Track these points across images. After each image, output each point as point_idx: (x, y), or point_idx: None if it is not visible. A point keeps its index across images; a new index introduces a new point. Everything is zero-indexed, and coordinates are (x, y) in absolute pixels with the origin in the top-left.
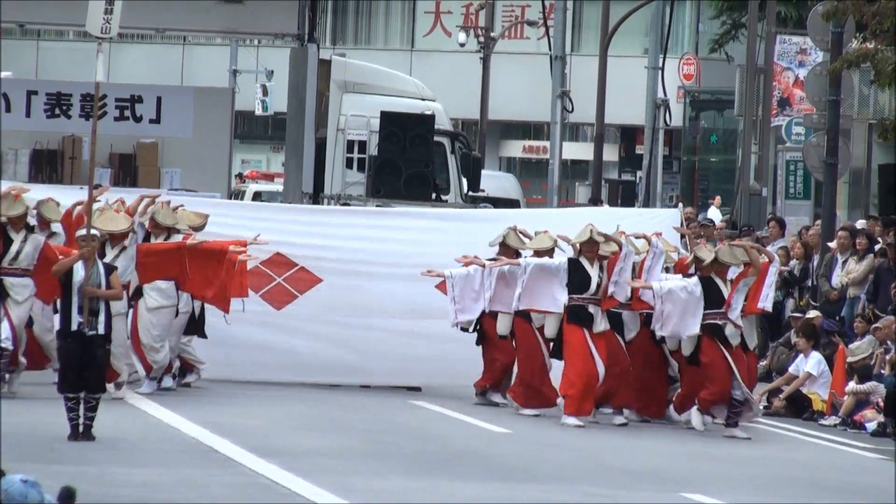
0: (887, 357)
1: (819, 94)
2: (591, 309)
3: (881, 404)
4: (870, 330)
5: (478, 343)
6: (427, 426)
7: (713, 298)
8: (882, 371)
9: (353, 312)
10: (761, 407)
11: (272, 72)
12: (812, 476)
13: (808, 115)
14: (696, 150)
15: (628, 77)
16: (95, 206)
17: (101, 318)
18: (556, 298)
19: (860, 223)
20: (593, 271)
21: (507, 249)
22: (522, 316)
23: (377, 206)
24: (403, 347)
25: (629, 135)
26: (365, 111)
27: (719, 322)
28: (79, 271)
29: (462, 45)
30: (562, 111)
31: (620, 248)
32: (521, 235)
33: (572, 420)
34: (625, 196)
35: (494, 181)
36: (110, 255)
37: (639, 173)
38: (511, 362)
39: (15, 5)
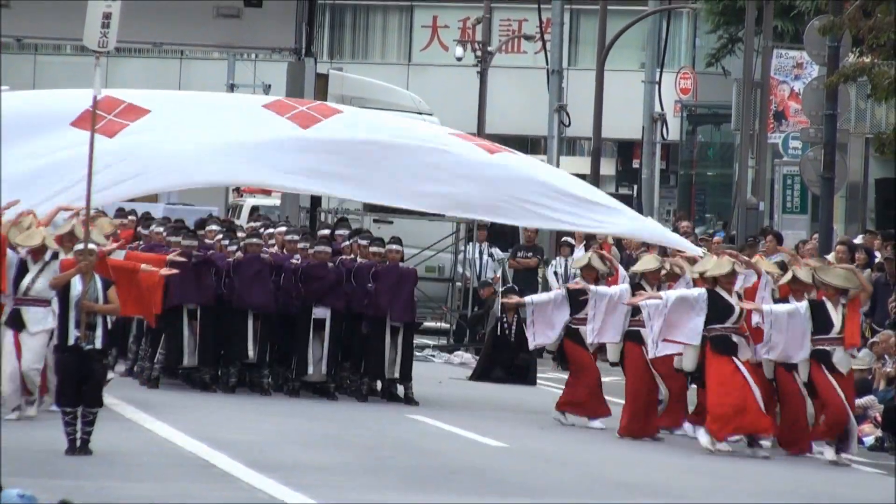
0: (885, 371)
1: (816, 108)
2: (735, 338)
3: (879, 419)
4: (867, 344)
5: (559, 365)
6: (424, 441)
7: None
8: (879, 386)
9: None
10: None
11: (269, 86)
12: (809, 491)
13: (805, 130)
14: (692, 165)
15: (625, 91)
16: (5, 218)
17: (98, 332)
18: (695, 330)
19: (858, 238)
20: (733, 300)
21: (591, 272)
22: (633, 339)
23: (374, 220)
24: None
25: (626, 149)
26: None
27: (827, 348)
28: (76, 285)
29: (459, 59)
30: (559, 125)
31: (759, 277)
32: (603, 258)
33: (724, 446)
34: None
35: None
36: (33, 270)
37: (636, 187)
38: (594, 385)
39: (12, 20)
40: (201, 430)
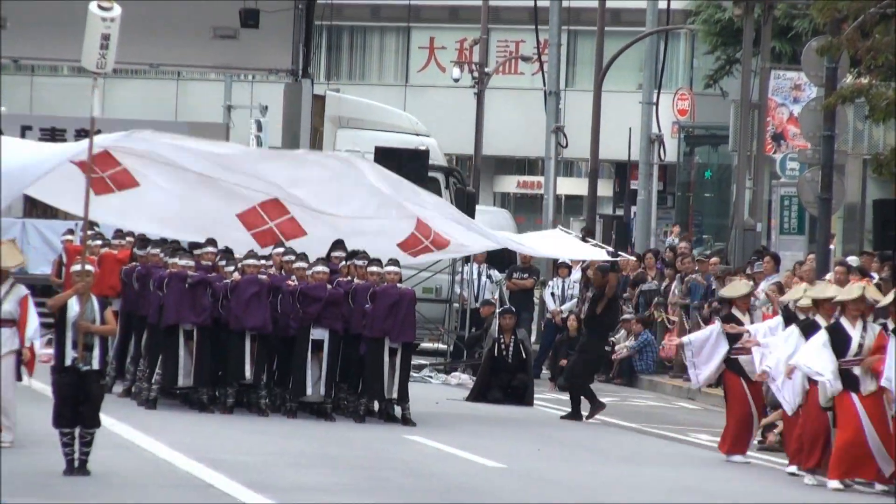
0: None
1: (813, 129)
2: (856, 371)
3: None
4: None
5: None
6: (422, 461)
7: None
8: None
9: None
10: (755, 442)
11: (266, 107)
12: None
13: (803, 151)
14: (690, 186)
15: (623, 113)
16: None
17: (96, 353)
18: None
19: (852, 259)
20: (855, 332)
21: (745, 301)
22: (732, 369)
23: None
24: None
25: (623, 170)
26: (359, 146)
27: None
28: (73, 306)
29: (456, 80)
30: (556, 146)
31: None
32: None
33: (835, 483)
34: (619, 231)
35: (489, 216)
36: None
37: (633, 209)
38: (742, 418)
39: (9, 40)
40: (199, 450)
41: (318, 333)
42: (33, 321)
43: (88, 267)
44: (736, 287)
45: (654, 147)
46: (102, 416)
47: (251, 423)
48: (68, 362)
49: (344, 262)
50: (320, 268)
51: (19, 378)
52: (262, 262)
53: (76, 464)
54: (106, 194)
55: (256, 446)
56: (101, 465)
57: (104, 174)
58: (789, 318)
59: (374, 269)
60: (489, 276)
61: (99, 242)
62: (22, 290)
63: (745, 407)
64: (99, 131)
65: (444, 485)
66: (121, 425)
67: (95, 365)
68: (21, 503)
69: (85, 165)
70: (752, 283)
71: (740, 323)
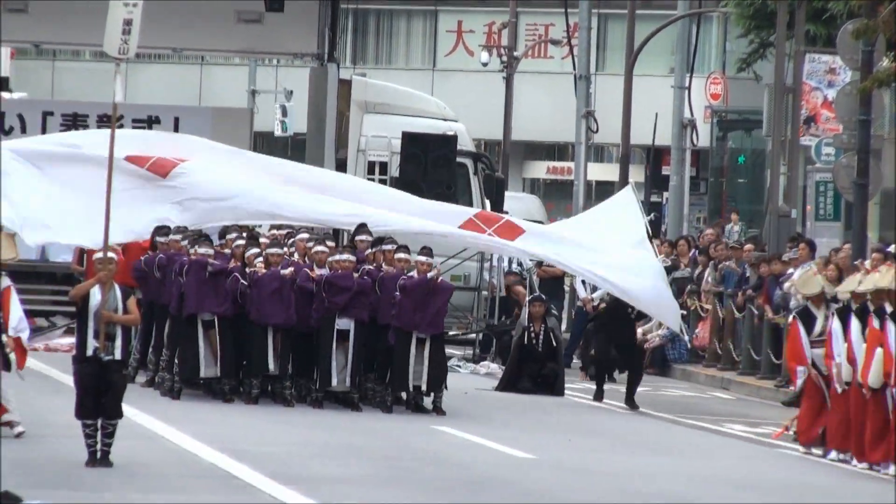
0: None
1: (849, 113)
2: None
3: None
4: None
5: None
6: (449, 452)
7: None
8: None
9: None
10: (791, 432)
11: (291, 92)
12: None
13: (838, 136)
14: (723, 171)
15: (654, 97)
16: None
17: (118, 343)
18: None
19: (892, 248)
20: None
21: (820, 299)
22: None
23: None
24: None
25: (655, 156)
26: (386, 132)
27: None
28: (95, 295)
29: (485, 64)
30: (586, 131)
31: None
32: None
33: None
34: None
35: (518, 203)
36: None
37: (665, 195)
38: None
39: (30, 25)
40: (223, 441)
41: (343, 323)
42: (16, 312)
43: (111, 255)
44: (810, 283)
45: (686, 132)
46: (125, 407)
47: (275, 414)
48: (90, 352)
49: (371, 249)
50: (346, 256)
51: (7, 368)
52: (286, 249)
53: (98, 455)
54: (172, 173)
55: (280, 437)
56: (123, 456)
57: (143, 168)
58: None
59: (401, 255)
60: (519, 264)
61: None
62: (5, 281)
63: (820, 400)
64: (122, 117)
65: (472, 476)
66: (143, 416)
67: (117, 355)
68: (43, 495)
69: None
70: (822, 281)
71: (815, 319)
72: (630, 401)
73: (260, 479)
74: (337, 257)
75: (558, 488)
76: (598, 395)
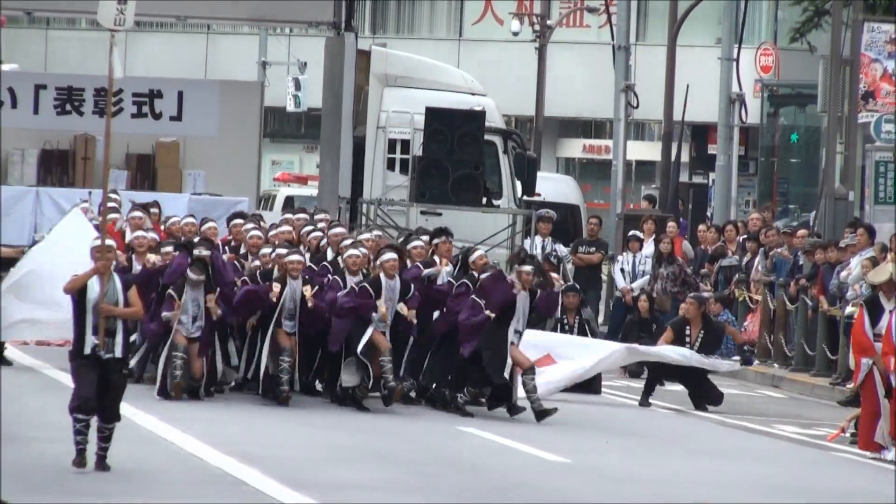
0: None
1: None
2: None
3: None
4: None
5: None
6: (477, 456)
7: None
8: None
9: None
10: (848, 434)
11: (305, 64)
12: None
13: None
14: (774, 150)
15: (700, 70)
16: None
17: (119, 339)
18: None
19: None
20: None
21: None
22: None
23: (422, 211)
24: None
25: (701, 133)
26: (408, 107)
27: None
28: (94, 287)
29: (515, 34)
30: (626, 107)
31: None
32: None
33: None
34: (696, 201)
35: (551, 184)
36: None
37: (711, 175)
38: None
39: None
40: (231, 443)
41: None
42: None
43: (110, 242)
44: (881, 271)
45: (734, 108)
46: (125, 406)
47: (288, 415)
48: (87, 350)
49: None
50: (389, 255)
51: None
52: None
53: (95, 459)
54: None
55: (294, 439)
56: (124, 459)
57: None
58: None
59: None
60: (554, 250)
61: (116, 216)
62: None
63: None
64: (120, 91)
65: (501, 481)
66: (145, 416)
67: (118, 352)
68: (35, 503)
69: None
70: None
71: (882, 310)
72: (703, 407)
73: (271, 484)
74: (380, 259)
75: (595, 495)
76: (645, 401)
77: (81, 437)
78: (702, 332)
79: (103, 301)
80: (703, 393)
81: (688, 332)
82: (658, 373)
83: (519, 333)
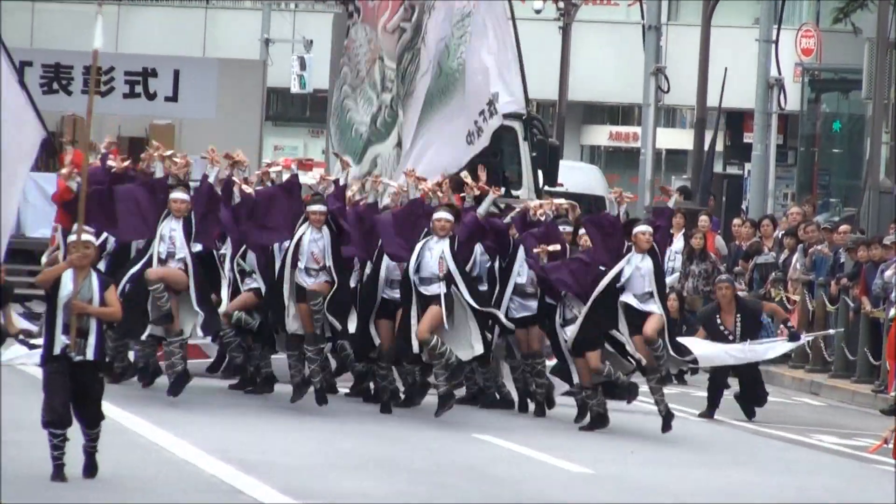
0: None
1: None
2: None
3: None
4: None
5: None
6: (493, 466)
7: None
8: None
9: None
10: (892, 445)
11: (311, 41)
12: None
13: None
14: (815, 140)
15: (736, 52)
16: None
17: (92, 340)
18: None
19: None
20: None
21: None
22: None
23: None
24: None
25: (736, 120)
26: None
27: None
28: (67, 284)
29: (538, 11)
30: (656, 91)
31: None
32: None
33: None
34: (731, 192)
35: (575, 174)
36: None
37: (747, 166)
38: None
39: None
40: (226, 449)
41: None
42: None
43: (89, 237)
44: None
45: (772, 93)
46: (114, 410)
47: (289, 418)
48: (57, 350)
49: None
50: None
51: None
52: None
53: (84, 459)
54: None
55: (295, 445)
56: (113, 466)
57: None
58: None
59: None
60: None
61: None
62: None
63: None
64: (112, 69)
65: (518, 493)
66: (136, 420)
67: (90, 355)
68: None
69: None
70: None
71: None
72: (751, 412)
73: (270, 493)
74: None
75: None
76: (711, 412)
77: (58, 451)
78: (738, 316)
79: (76, 298)
80: (754, 391)
81: (719, 321)
82: (720, 376)
83: None
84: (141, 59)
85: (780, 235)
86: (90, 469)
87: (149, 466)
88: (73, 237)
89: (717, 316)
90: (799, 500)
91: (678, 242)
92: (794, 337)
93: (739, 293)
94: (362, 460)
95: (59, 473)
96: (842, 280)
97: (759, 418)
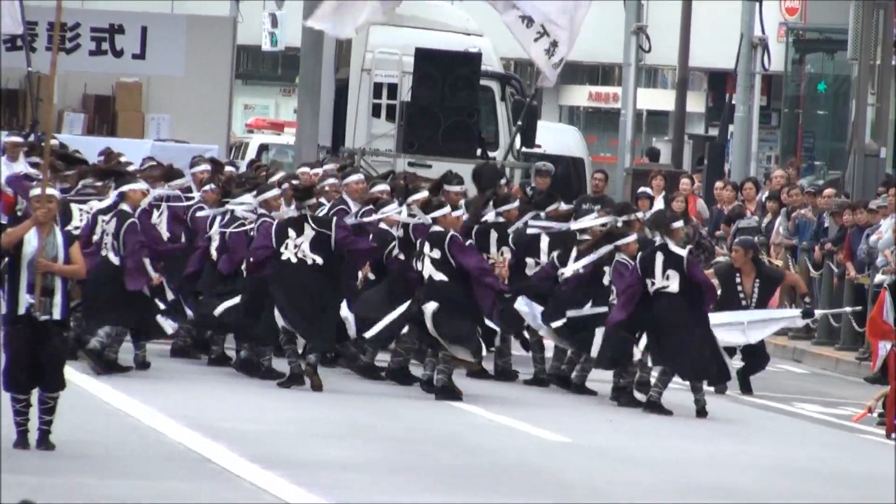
0: None
1: None
2: None
3: None
4: None
5: None
6: (471, 435)
7: None
8: None
9: None
10: (876, 415)
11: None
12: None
13: None
14: (799, 101)
15: (718, 11)
16: None
17: (58, 299)
18: None
19: None
20: None
21: None
22: None
23: (409, 162)
24: None
25: (718, 81)
26: (396, 47)
27: None
28: (31, 241)
29: None
30: (637, 51)
31: None
32: None
33: None
34: (712, 155)
35: (554, 135)
36: None
37: (730, 128)
38: None
39: None
40: (195, 417)
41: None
42: None
43: (52, 191)
44: None
45: (755, 53)
46: (76, 375)
47: (260, 387)
48: (22, 310)
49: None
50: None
51: None
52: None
53: (37, 436)
54: None
55: (267, 413)
56: (73, 432)
57: None
58: None
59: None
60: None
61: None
62: None
63: None
64: (78, 25)
65: (496, 461)
66: (99, 385)
67: (57, 314)
68: None
69: None
70: None
71: None
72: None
73: (239, 462)
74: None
75: (594, 476)
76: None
77: (21, 417)
78: (756, 281)
79: (41, 256)
80: (757, 356)
81: (739, 281)
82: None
83: None
84: (107, 15)
85: (762, 199)
86: (44, 443)
87: (112, 433)
88: (36, 191)
89: (738, 276)
90: (781, 469)
91: (659, 205)
92: (807, 314)
93: (722, 256)
94: (337, 428)
95: (22, 440)
96: (826, 245)
97: (740, 386)
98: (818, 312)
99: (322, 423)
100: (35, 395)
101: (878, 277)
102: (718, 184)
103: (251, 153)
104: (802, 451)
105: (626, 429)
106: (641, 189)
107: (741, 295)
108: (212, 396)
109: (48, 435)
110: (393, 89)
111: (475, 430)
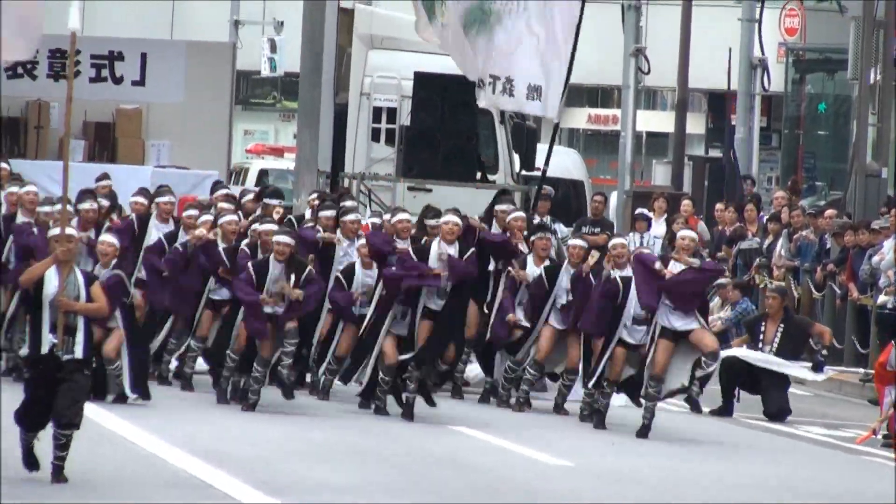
0: None
1: None
2: None
3: None
4: None
5: None
6: (469, 457)
7: None
8: None
9: None
10: (880, 437)
11: (282, 23)
12: None
13: None
14: (800, 122)
15: (718, 32)
16: None
17: (80, 338)
18: None
19: None
20: None
21: None
22: None
23: (409, 187)
24: None
25: (718, 102)
26: (395, 71)
27: None
28: (51, 280)
29: None
30: (636, 73)
31: None
32: None
33: None
34: (713, 176)
35: (553, 158)
36: None
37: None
38: None
39: None
40: (195, 442)
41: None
42: None
43: (71, 231)
44: None
45: (755, 74)
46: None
47: (261, 410)
48: (45, 349)
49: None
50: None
51: None
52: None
53: (51, 469)
54: None
55: (265, 438)
56: (79, 459)
57: None
58: None
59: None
60: (553, 231)
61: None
62: None
63: None
64: (79, 52)
65: (496, 485)
66: (103, 412)
67: (79, 353)
68: None
69: None
70: None
71: None
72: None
73: (240, 487)
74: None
75: (594, 499)
76: (727, 409)
77: (29, 444)
78: (781, 326)
79: (62, 295)
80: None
81: (763, 328)
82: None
83: None
84: (107, 42)
85: (764, 220)
86: (58, 477)
87: (116, 459)
88: (55, 231)
89: (763, 323)
90: (783, 492)
91: (660, 227)
92: (818, 368)
93: (725, 280)
94: (334, 451)
95: (28, 460)
96: (828, 266)
97: (743, 408)
98: (829, 370)
99: (323, 448)
100: (49, 429)
101: (881, 298)
102: (719, 205)
103: (251, 178)
104: (805, 473)
105: (628, 451)
106: (639, 210)
107: (761, 340)
108: (207, 421)
109: (62, 470)
110: (392, 113)
111: (473, 453)
